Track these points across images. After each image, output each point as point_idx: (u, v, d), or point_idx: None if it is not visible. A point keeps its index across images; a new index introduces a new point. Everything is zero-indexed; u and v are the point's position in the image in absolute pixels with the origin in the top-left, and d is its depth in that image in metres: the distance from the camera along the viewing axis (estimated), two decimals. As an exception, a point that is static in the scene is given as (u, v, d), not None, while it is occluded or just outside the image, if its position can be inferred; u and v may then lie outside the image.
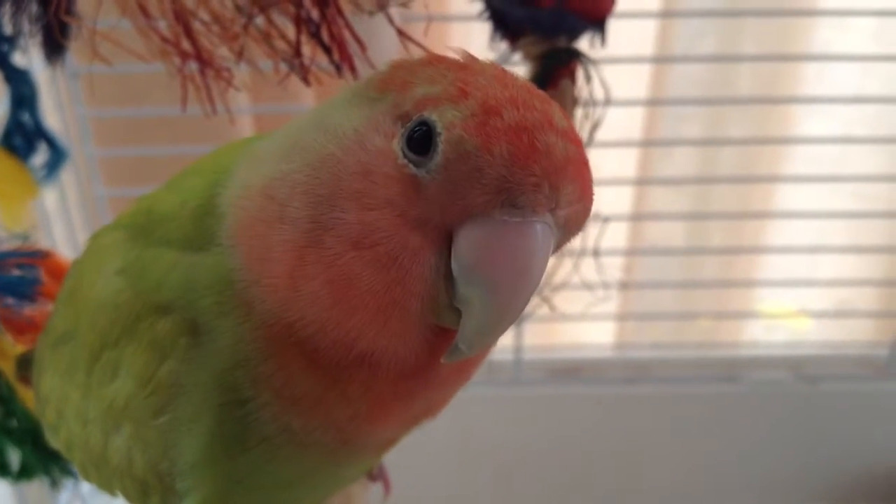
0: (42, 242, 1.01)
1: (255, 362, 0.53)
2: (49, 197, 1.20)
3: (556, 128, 0.46)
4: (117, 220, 0.65)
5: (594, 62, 1.01)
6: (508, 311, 0.47)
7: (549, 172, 0.45)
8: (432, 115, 0.45)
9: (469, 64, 0.49)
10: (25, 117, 0.98)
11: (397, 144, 0.47)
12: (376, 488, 0.84)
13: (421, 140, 0.46)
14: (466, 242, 0.46)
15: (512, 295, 0.46)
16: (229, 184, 0.55)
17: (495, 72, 0.48)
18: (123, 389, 0.57)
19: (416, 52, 0.79)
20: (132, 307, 0.56)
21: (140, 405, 0.56)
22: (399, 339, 0.51)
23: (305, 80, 0.78)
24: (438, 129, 0.45)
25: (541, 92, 0.49)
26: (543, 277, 0.48)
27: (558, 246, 0.49)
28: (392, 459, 0.84)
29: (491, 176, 0.44)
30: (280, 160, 0.52)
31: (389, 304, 0.48)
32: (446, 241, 0.47)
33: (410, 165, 0.46)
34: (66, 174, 1.17)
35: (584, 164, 0.47)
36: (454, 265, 0.46)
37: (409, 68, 0.49)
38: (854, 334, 1.56)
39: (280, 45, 0.77)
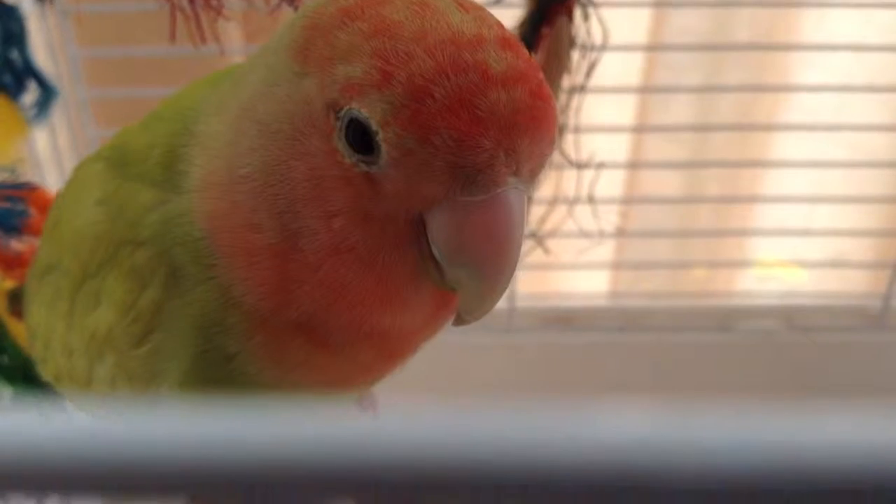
0: (33, 184, 1.00)
1: (240, 333, 0.53)
2: (40, 139, 1.19)
3: (492, 73, 0.42)
4: (99, 151, 0.65)
5: (592, 2, 1.00)
6: (498, 283, 0.46)
7: (501, 138, 0.42)
8: (362, 111, 0.42)
9: (385, 14, 0.44)
10: (14, 55, 0.97)
11: (338, 142, 0.44)
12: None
13: (359, 137, 0.43)
14: (438, 229, 0.44)
15: (497, 271, 0.45)
16: (192, 143, 0.54)
17: (412, 12, 0.43)
18: (105, 318, 0.57)
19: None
20: (112, 237, 0.56)
21: (122, 334, 0.56)
22: (404, 315, 0.51)
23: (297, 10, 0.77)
24: (373, 128, 0.42)
25: (466, 15, 0.44)
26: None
27: (533, 182, 0.47)
28: (384, 403, 0.84)
29: (441, 166, 0.42)
30: (233, 155, 0.49)
31: (385, 295, 0.49)
32: (421, 225, 0.45)
33: (360, 164, 0.44)
34: (58, 116, 1.15)
35: (533, 93, 0.43)
36: (434, 250, 0.45)
37: (324, 34, 0.45)
38: (848, 285, 1.55)
39: (271, -27, 0.76)
